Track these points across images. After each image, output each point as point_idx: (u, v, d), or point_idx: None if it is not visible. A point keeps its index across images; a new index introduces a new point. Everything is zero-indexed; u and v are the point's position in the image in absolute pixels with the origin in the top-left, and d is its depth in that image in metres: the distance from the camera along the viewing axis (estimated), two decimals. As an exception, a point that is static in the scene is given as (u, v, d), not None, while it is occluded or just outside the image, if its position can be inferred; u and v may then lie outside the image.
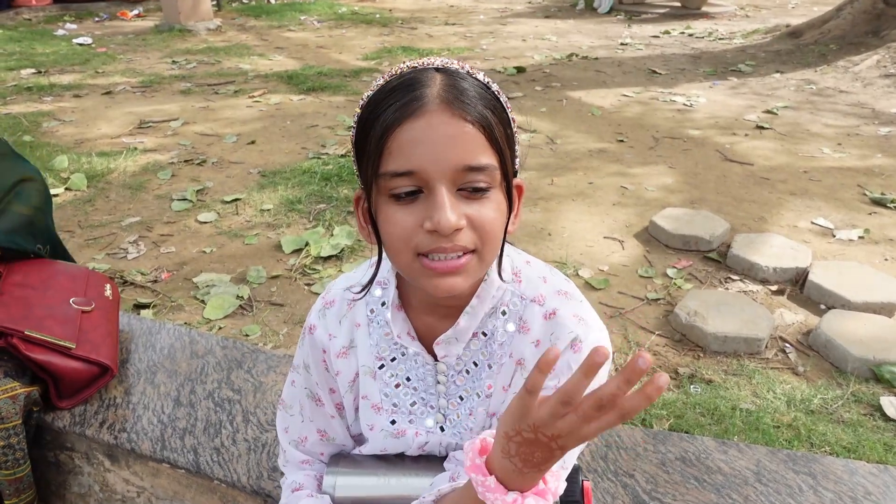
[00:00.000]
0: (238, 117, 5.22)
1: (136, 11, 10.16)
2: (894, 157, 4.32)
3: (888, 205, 3.59)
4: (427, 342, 0.91)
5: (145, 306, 2.72)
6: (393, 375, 0.93)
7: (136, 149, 4.48)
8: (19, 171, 1.68)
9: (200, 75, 6.55)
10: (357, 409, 0.98)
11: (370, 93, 0.78)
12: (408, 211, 0.75)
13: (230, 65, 7.02)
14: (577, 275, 2.95)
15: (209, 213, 3.54)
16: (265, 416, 1.49)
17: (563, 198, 3.74)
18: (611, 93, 5.89)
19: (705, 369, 2.33)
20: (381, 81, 0.77)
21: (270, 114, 5.29)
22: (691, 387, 2.24)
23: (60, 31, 8.69)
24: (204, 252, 3.16)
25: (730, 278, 2.91)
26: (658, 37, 8.50)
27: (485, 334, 0.90)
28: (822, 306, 2.68)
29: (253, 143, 4.62)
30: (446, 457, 0.95)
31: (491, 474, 0.72)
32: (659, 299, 2.77)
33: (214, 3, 9.94)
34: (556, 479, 0.75)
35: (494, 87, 0.79)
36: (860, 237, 3.26)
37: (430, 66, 0.77)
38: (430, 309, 0.90)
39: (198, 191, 3.81)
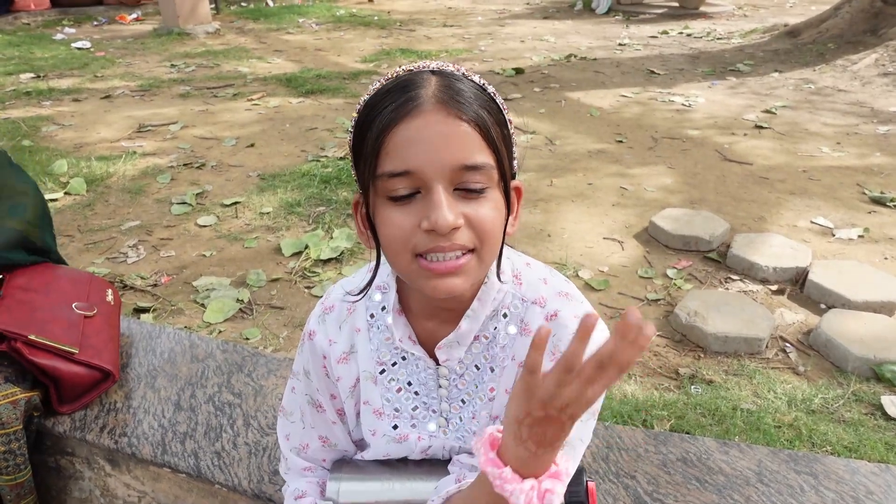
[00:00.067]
0: (237, 120, 5.22)
1: (134, 15, 10.16)
2: (893, 155, 4.32)
3: (887, 203, 3.59)
4: (428, 346, 0.91)
5: (145, 310, 2.72)
6: (394, 380, 0.93)
7: (135, 153, 4.48)
8: (15, 184, 1.66)
9: (199, 79, 6.55)
10: (358, 415, 0.97)
11: (366, 97, 0.78)
12: (405, 211, 0.75)
13: (229, 68, 7.02)
14: (577, 276, 2.95)
15: (209, 217, 3.54)
16: (266, 420, 1.49)
17: (562, 199, 3.74)
18: (609, 93, 5.89)
19: (706, 370, 2.33)
20: (378, 85, 0.78)
21: (269, 117, 5.29)
22: (692, 387, 2.24)
23: (59, 36, 8.70)
24: (204, 255, 3.16)
25: (730, 278, 2.91)
26: (656, 37, 8.50)
27: (486, 337, 0.90)
28: (823, 306, 2.68)
29: (252, 146, 4.62)
30: (450, 460, 0.95)
31: (505, 465, 0.73)
32: (659, 300, 2.77)
33: (213, 6, 9.95)
34: (566, 459, 0.76)
35: (490, 88, 0.79)
36: (860, 236, 3.26)
37: (426, 69, 0.77)
38: (430, 313, 0.90)
39: (197, 194, 3.81)
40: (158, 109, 5.52)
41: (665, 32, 8.75)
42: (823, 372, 2.34)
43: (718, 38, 8.25)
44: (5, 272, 1.59)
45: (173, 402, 1.55)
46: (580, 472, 0.96)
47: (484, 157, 0.74)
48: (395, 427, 0.94)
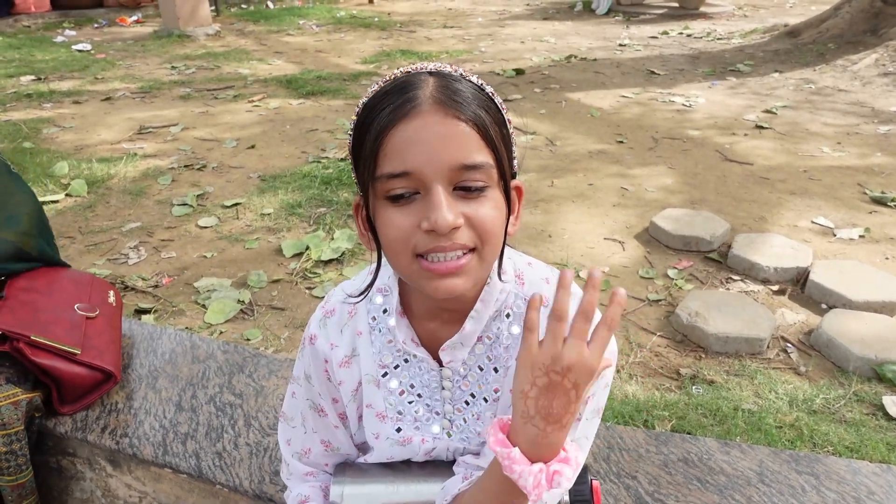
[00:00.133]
0: (238, 122, 5.23)
1: (134, 17, 10.18)
2: (894, 155, 4.32)
3: (888, 203, 3.59)
4: (431, 348, 0.91)
5: (146, 311, 2.72)
6: (397, 383, 0.93)
7: (136, 154, 4.48)
8: (12, 193, 1.63)
9: (200, 80, 6.56)
10: (361, 419, 0.97)
11: (365, 99, 0.79)
12: (405, 212, 0.75)
13: (229, 70, 7.03)
14: (578, 276, 2.94)
15: (210, 218, 3.54)
16: (267, 421, 1.49)
17: (563, 199, 3.74)
18: (610, 94, 5.90)
19: (707, 370, 2.33)
20: (376, 87, 0.78)
21: (270, 118, 5.30)
22: (693, 388, 2.24)
23: (60, 38, 8.71)
24: (205, 257, 3.16)
25: (731, 278, 2.91)
26: (656, 37, 8.51)
27: (489, 338, 0.90)
28: (824, 306, 2.68)
29: (253, 147, 4.63)
30: (454, 461, 0.95)
31: (514, 446, 0.74)
32: (660, 300, 2.77)
33: (213, 8, 9.96)
34: (575, 449, 0.78)
35: (488, 88, 0.79)
36: (861, 236, 3.26)
37: (424, 70, 0.77)
38: (432, 315, 0.90)
39: (198, 196, 3.82)
40: (159, 111, 5.52)
41: (665, 33, 8.76)
42: (825, 372, 2.33)
43: (719, 39, 8.25)
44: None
45: (174, 403, 1.56)
46: (585, 470, 0.96)
47: (483, 156, 0.74)
48: (399, 430, 0.94)
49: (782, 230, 3.32)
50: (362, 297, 0.91)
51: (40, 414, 1.48)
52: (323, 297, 1.00)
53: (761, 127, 4.92)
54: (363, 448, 1.02)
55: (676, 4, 10.37)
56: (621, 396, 2.20)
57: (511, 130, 0.81)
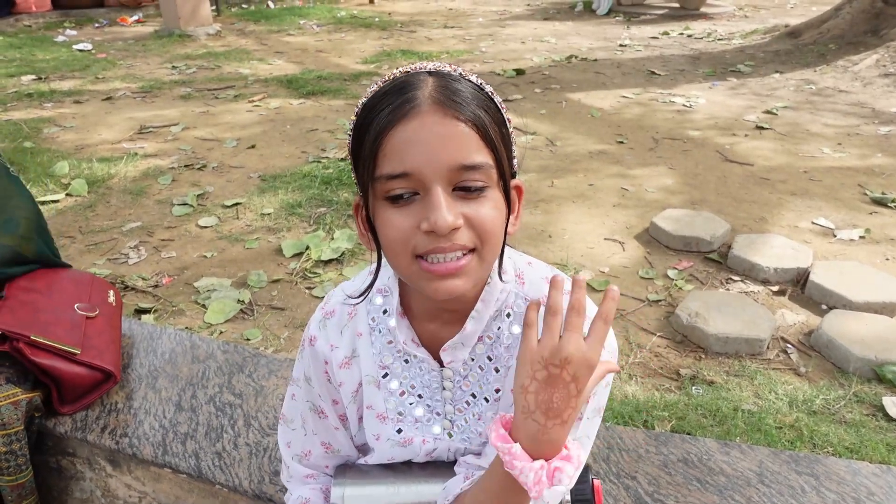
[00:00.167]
0: (238, 122, 5.23)
1: (135, 17, 10.18)
2: (894, 156, 4.32)
3: (889, 204, 3.59)
4: (431, 349, 0.91)
5: (146, 311, 2.72)
6: (397, 384, 0.93)
7: (136, 154, 4.48)
8: (10, 196, 1.62)
9: (200, 80, 6.56)
10: (361, 420, 0.97)
11: (364, 99, 0.78)
12: (405, 213, 0.74)
13: (230, 69, 7.03)
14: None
15: (210, 218, 3.54)
16: (266, 421, 1.49)
17: (563, 199, 3.74)
18: (610, 94, 5.90)
19: (707, 370, 2.33)
20: (375, 87, 0.78)
21: (270, 118, 5.30)
22: (693, 388, 2.24)
23: (60, 38, 8.71)
24: (205, 256, 3.16)
25: (731, 279, 2.91)
26: (657, 38, 8.51)
27: (490, 337, 0.90)
28: (824, 306, 2.68)
29: (253, 147, 4.63)
30: (454, 462, 0.95)
31: (515, 442, 0.75)
32: (660, 300, 2.77)
33: (214, 8, 9.96)
34: (577, 447, 0.78)
35: (488, 88, 0.79)
36: (861, 237, 3.25)
37: (423, 70, 0.77)
38: (433, 315, 0.89)
39: (198, 195, 3.82)
40: (159, 111, 5.52)
41: (666, 33, 8.76)
42: (825, 373, 2.33)
43: (719, 39, 8.25)
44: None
45: (174, 403, 1.56)
46: (586, 469, 0.96)
47: (482, 156, 0.74)
48: (400, 431, 0.93)
49: (782, 231, 3.32)
50: (362, 298, 0.91)
51: (40, 414, 1.48)
52: (323, 297, 1.00)
53: (762, 127, 4.92)
54: (363, 449, 1.02)
55: (677, 5, 10.37)
56: (621, 397, 2.20)
57: (511, 130, 0.81)
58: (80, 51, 7.93)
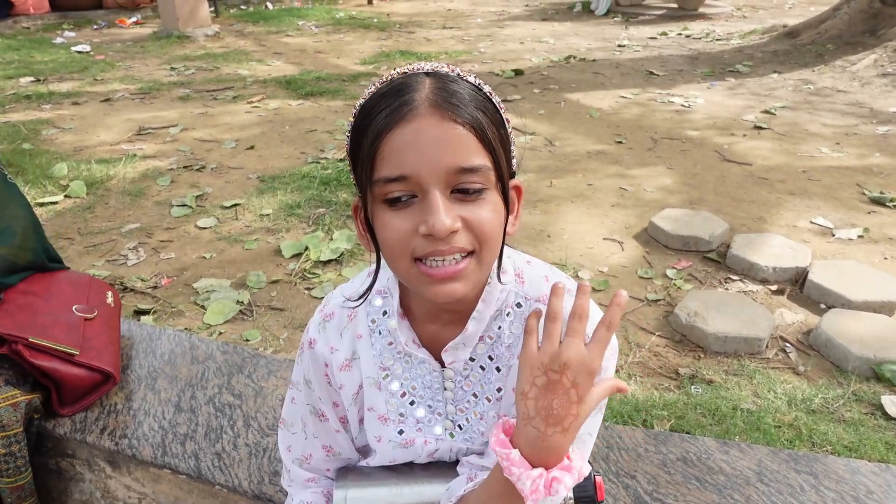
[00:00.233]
0: (237, 123, 5.23)
1: (134, 19, 10.18)
2: (892, 155, 4.32)
3: (887, 203, 3.60)
4: (432, 350, 0.91)
5: (145, 312, 2.72)
6: (398, 385, 0.92)
7: (135, 155, 4.48)
8: (6, 204, 1.61)
9: (199, 81, 6.56)
10: (362, 422, 0.96)
11: (362, 101, 0.78)
12: (403, 216, 0.74)
13: (229, 70, 7.03)
14: (577, 276, 2.95)
15: (209, 219, 3.54)
16: (266, 421, 1.49)
17: (562, 199, 3.74)
18: (609, 94, 5.90)
19: (706, 370, 2.33)
20: (373, 88, 0.77)
21: (269, 119, 5.30)
22: (692, 387, 2.24)
23: (59, 39, 8.71)
24: (204, 257, 3.16)
25: (729, 278, 2.92)
26: (655, 38, 8.51)
27: (490, 337, 0.90)
28: (823, 305, 2.68)
29: (252, 148, 4.63)
30: (457, 462, 0.94)
31: (515, 448, 0.75)
32: (659, 300, 2.77)
33: (212, 9, 9.96)
34: (580, 458, 0.78)
35: (486, 88, 0.78)
36: (859, 236, 3.26)
37: (420, 71, 0.76)
38: (433, 317, 0.89)
39: (197, 196, 3.82)
40: (158, 112, 5.52)
41: (664, 34, 8.77)
42: (823, 372, 2.34)
43: (717, 40, 8.26)
44: None
45: (173, 404, 1.56)
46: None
47: (480, 158, 0.73)
48: (401, 432, 0.93)
49: (781, 230, 3.32)
50: (361, 300, 0.90)
51: (39, 415, 1.48)
52: (322, 298, 1.00)
53: (760, 127, 4.93)
54: (364, 451, 1.02)
55: (675, 5, 10.38)
56: (620, 396, 2.20)
57: (510, 130, 0.80)
58: (79, 52, 7.92)
